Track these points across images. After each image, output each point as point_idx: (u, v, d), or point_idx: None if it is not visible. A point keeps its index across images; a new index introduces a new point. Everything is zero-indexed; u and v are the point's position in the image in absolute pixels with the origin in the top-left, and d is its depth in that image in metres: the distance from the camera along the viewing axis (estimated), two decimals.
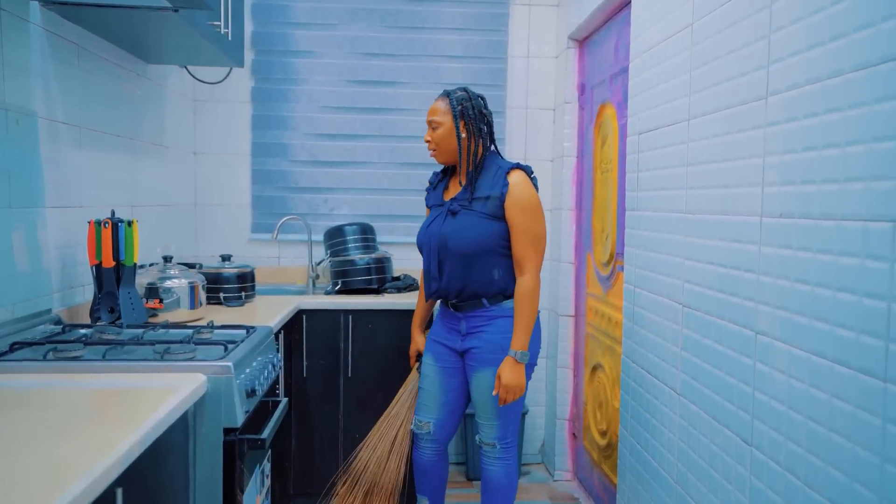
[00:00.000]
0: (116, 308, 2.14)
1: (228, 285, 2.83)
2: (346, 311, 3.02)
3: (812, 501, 1.36)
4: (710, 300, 1.82)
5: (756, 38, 1.60)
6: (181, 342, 1.77)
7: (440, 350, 2.47)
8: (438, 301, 2.57)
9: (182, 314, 2.37)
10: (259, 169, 3.57)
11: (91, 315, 2.16)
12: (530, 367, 2.37)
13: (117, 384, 1.49)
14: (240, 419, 1.63)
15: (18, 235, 1.90)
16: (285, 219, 3.42)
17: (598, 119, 3.09)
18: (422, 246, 2.46)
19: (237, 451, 1.64)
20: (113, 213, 2.18)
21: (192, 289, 2.41)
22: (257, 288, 3.26)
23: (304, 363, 3.00)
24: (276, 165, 3.58)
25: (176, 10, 2.04)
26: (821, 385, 1.33)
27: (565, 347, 3.46)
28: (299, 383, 2.99)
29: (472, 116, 2.36)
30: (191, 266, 2.54)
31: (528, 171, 2.37)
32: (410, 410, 2.62)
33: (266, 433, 1.74)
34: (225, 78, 3.41)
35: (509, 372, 2.26)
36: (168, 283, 2.36)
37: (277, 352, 2.35)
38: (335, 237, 3.32)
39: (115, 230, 2.14)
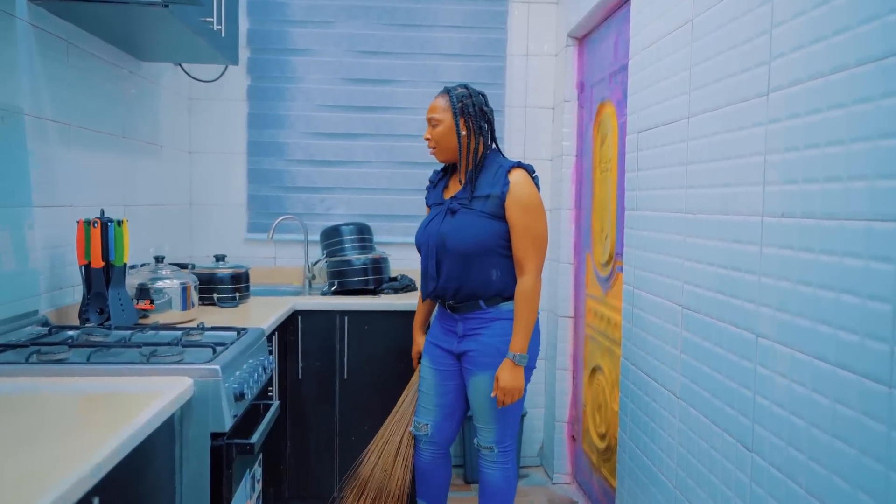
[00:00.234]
0: (106, 309, 2.10)
1: (222, 286, 2.79)
2: (342, 312, 2.98)
3: None
4: (710, 302, 1.78)
5: (757, 33, 1.56)
6: (169, 344, 1.73)
7: (436, 352, 2.43)
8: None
9: (173, 315, 2.33)
10: (255, 168, 3.54)
11: (80, 316, 2.13)
12: (529, 369, 2.33)
13: (101, 388, 1.45)
14: (227, 423, 1.59)
15: (4, 235, 1.87)
16: (281, 218, 3.38)
17: (598, 117, 3.05)
18: (420, 245, 2.42)
19: (225, 456, 1.60)
20: (102, 212, 2.14)
21: (184, 289, 2.37)
22: (253, 288, 3.23)
23: (300, 365, 2.96)
24: (272, 164, 3.54)
25: (166, 6, 2.00)
26: (823, 390, 1.29)
27: (564, 349, 3.42)
28: (294, 385, 2.96)
29: (473, 114, 2.32)
30: (183, 266, 2.51)
31: (529, 170, 2.33)
32: (414, 414, 2.58)
33: (255, 438, 1.70)
34: (220, 76, 3.37)
35: (507, 374, 2.22)
36: (159, 284, 2.32)
37: (270, 354, 2.31)
38: (331, 237, 3.28)
39: (105, 230, 2.10)
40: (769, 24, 1.51)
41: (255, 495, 1.98)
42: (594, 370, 3.06)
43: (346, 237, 3.26)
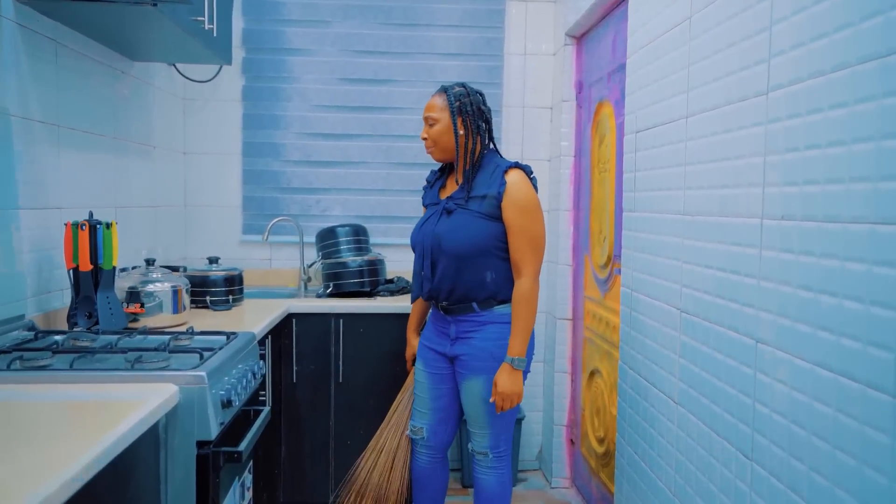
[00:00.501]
0: (94, 313, 2.07)
1: (215, 289, 2.75)
2: (337, 315, 2.94)
3: None
4: (708, 306, 1.74)
5: (757, 30, 1.52)
6: (155, 350, 1.70)
7: (430, 355, 2.39)
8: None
9: (164, 319, 2.29)
10: (250, 169, 3.50)
11: (68, 321, 2.09)
12: (524, 374, 2.29)
13: (82, 396, 1.42)
14: (214, 431, 1.56)
15: None
16: (276, 220, 3.35)
17: (596, 117, 3.01)
18: (415, 245, 2.39)
19: (211, 464, 1.56)
20: (91, 214, 2.11)
21: (175, 293, 2.33)
22: (248, 291, 3.20)
23: (294, 369, 2.92)
24: (267, 165, 3.50)
25: (154, 4, 1.96)
26: (825, 399, 1.25)
27: (563, 352, 3.38)
28: (289, 390, 2.92)
29: (470, 113, 2.29)
30: (174, 269, 2.47)
31: (527, 170, 2.29)
32: (410, 418, 2.54)
33: (243, 445, 1.67)
34: (215, 76, 3.34)
35: (506, 379, 2.18)
36: (150, 287, 2.28)
37: (262, 359, 2.28)
38: (327, 239, 3.25)
39: (93, 232, 2.07)
40: (769, 21, 1.47)
41: (245, 503, 1.95)
42: (593, 373, 3.02)
43: (342, 239, 3.23)
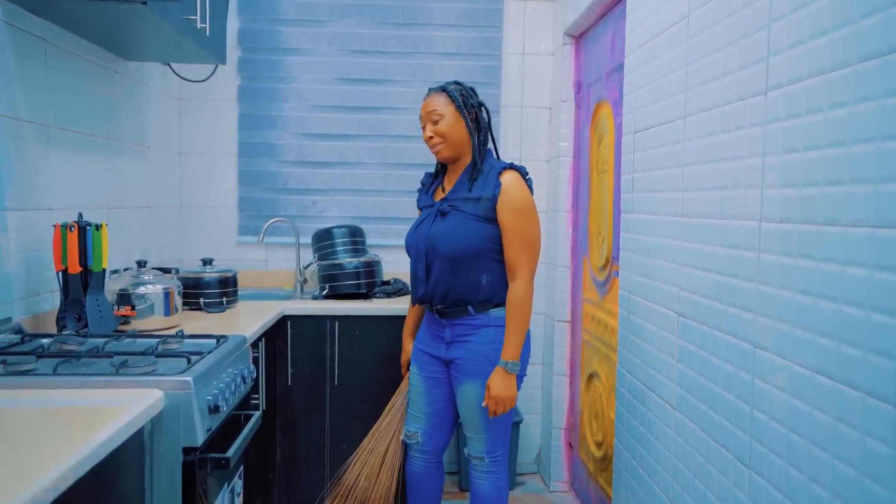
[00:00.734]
0: (83, 316, 2.03)
1: (209, 290, 2.72)
2: (333, 317, 2.91)
3: None
4: (706, 309, 1.70)
5: (755, 28, 1.49)
6: (142, 354, 1.66)
7: (425, 359, 2.36)
8: None
9: (155, 322, 2.26)
10: (246, 169, 3.47)
11: (57, 323, 2.06)
12: (519, 378, 2.26)
13: (64, 401, 1.38)
14: (200, 438, 1.52)
15: None
16: (272, 221, 3.31)
17: (595, 118, 2.98)
18: (409, 248, 2.36)
19: (197, 471, 1.53)
20: (80, 216, 2.08)
21: (167, 295, 2.30)
22: (243, 292, 3.17)
23: (289, 371, 2.89)
24: (263, 166, 3.47)
25: (144, 3, 1.93)
26: (824, 407, 1.22)
27: (561, 354, 3.35)
28: (283, 392, 2.89)
29: (475, 105, 2.26)
30: (166, 271, 2.44)
31: (522, 171, 2.26)
32: (402, 422, 2.51)
33: (232, 451, 1.64)
34: (210, 76, 3.31)
35: (499, 383, 2.15)
36: (141, 290, 2.25)
37: (255, 362, 2.25)
38: (323, 240, 3.22)
39: (82, 234, 2.03)
40: (767, 19, 1.44)
41: None
42: (591, 376, 2.99)
43: (338, 240, 3.20)
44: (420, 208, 2.42)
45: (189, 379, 1.52)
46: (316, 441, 2.94)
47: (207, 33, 2.45)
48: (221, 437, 1.72)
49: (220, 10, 2.74)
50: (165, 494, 1.50)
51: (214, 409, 1.60)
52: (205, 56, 2.64)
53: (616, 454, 2.40)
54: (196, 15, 2.31)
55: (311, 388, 2.92)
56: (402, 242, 3.32)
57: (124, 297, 2.22)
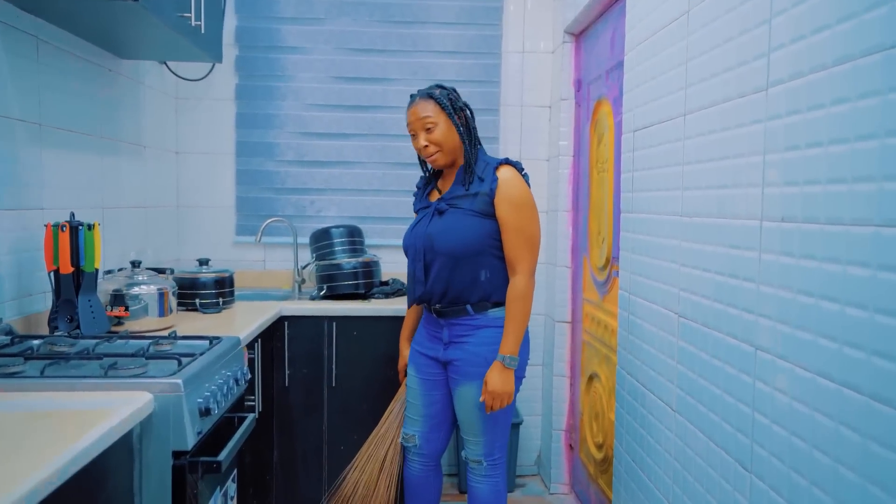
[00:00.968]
0: (75, 317, 2.01)
1: (205, 291, 2.69)
2: (331, 318, 2.88)
3: None
4: (706, 310, 1.67)
5: (756, 23, 1.45)
6: (133, 356, 1.64)
7: (422, 361, 2.33)
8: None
9: (149, 323, 2.24)
10: (244, 169, 3.44)
11: (49, 324, 2.03)
12: (519, 379, 2.23)
13: (49, 405, 1.36)
14: (190, 441, 1.50)
15: None
16: (269, 221, 3.29)
17: (595, 116, 2.95)
18: (407, 248, 2.33)
19: (188, 475, 1.50)
20: (72, 215, 2.05)
21: (161, 295, 2.28)
22: (241, 293, 3.15)
23: (286, 372, 2.86)
24: (261, 165, 3.45)
25: (136, 0, 1.91)
26: (827, 410, 1.19)
27: (561, 355, 3.32)
28: (280, 393, 2.86)
29: (462, 108, 2.24)
30: (161, 271, 2.41)
31: (518, 166, 2.23)
32: (400, 427, 2.48)
33: (223, 455, 1.61)
34: (207, 74, 3.29)
35: (497, 377, 2.11)
36: (135, 290, 2.23)
37: (251, 363, 2.22)
38: (321, 240, 3.19)
39: (74, 234, 2.01)
40: (768, 14, 1.41)
41: None
42: (591, 378, 2.96)
43: (337, 240, 3.17)
44: (416, 211, 2.40)
45: (179, 381, 1.49)
46: (313, 443, 2.92)
47: (202, 31, 2.43)
48: (214, 440, 1.69)
49: (216, 7, 2.71)
50: (155, 499, 1.47)
51: (205, 412, 1.57)
52: (200, 54, 2.62)
53: (616, 456, 2.37)
54: (190, 12, 2.29)
55: (309, 389, 2.89)
56: (401, 242, 3.31)
57: (118, 298, 2.19)
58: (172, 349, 1.81)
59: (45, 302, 2.15)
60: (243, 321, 2.45)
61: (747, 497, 1.46)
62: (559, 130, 3.29)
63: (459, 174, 2.24)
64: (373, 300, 3.07)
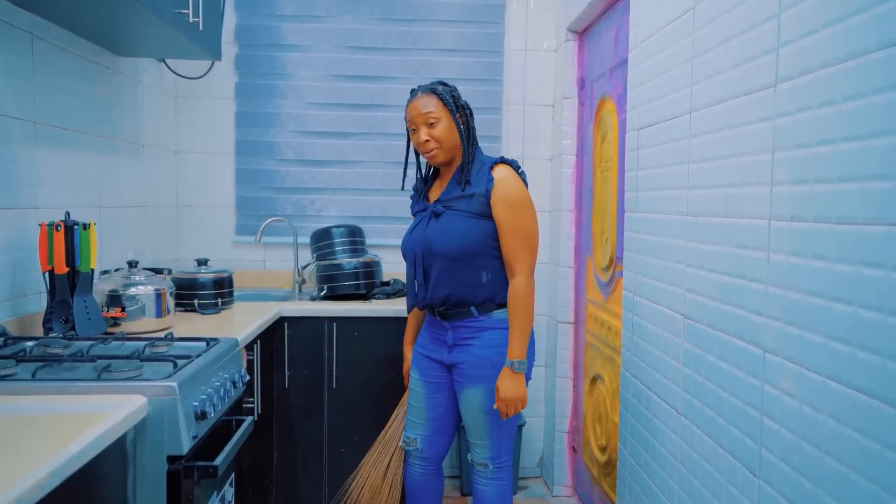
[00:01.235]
0: (70, 318, 1.98)
1: (204, 291, 2.66)
2: (331, 319, 2.85)
3: None
4: (712, 312, 1.64)
5: (764, 18, 1.42)
6: (127, 358, 1.61)
7: (425, 363, 2.30)
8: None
9: (147, 324, 2.21)
10: (243, 168, 3.41)
11: (44, 326, 2.00)
12: (525, 380, 2.19)
13: (40, 409, 1.32)
14: (186, 446, 1.46)
15: None
16: (269, 220, 3.26)
17: (598, 115, 2.91)
18: (406, 252, 2.29)
19: (183, 480, 1.47)
20: (67, 214, 2.02)
21: (159, 296, 2.24)
22: (241, 293, 3.12)
23: (286, 374, 2.83)
24: (261, 164, 3.41)
25: None
26: (839, 415, 1.15)
27: (564, 356, 3.28)
28: (280, 395, 2.83)
29: (464, 106, 2.20)
30: (159, 271, 2.38)
31: (514, 165, 2.20)
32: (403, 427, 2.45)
33: (220, 459, 1.57)
34: (206, 73, 3.26)
35: (508, 383, 2.08)
36: (132, 291, 2.20)
37: (249, 364, 2.19)
38: (322, 240, 3.16)
39: (69, 233, 1.98)
40: (777, 8, 1.37)
41: None
42: (595, 379, 2.92)
43: (337, 240, 3.14)
44: (414, 214, 2.36)
45: (174, 384, 1.46)
46: (314, 445, 2.88)
47: (201, 28, 2.40)
48: (210, 443, 1.66)
49: (215, 4, 2.68)
50: None
51: (201, 416, 1.54)
52: (199, 52, 2.59)
53: (620, 459, 2.34)
54: (188, 9, 2.26)
55: (309, 390, 2.86)
56: (401, 244, 3.28)
57: (114, 299, 2.16)
58: (168, 351, 1.78)
59: (40, 303, 2.12)
60: (242, 322, 2.42)
61: (755, 502, 1.43)
62: (562, 129, 3.26)
63: (455, 175, 2.21)
64: (374, 301, 3.04)
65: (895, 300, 1.03)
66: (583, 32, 3.18)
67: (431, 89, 2.18)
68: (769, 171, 1.39)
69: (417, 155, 2.34)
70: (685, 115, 1.82)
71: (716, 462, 1.61)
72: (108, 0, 1.88)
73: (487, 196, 2.11)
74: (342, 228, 3.17)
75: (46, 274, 1.98)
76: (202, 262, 2.78)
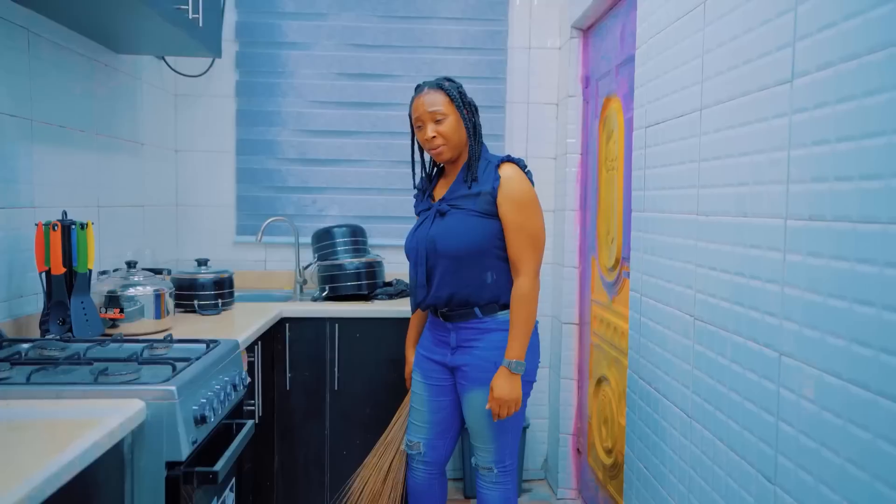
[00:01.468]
0: (67, 319, 1.94)
1: (204, 292, 2.62)
2: (333, 320, 2.81)
3: None
4: (725, 313, 1.60)
5: (779, 11, 1.38)
6: (125, 361, 1.57)
7: (428, 366, 2.25)
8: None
9: (145, 325, 2.17)
10: (244, 167, 3.37)
11: (40, 327, 1.96)
12: (528, 384, 2.16)
13: (36, 413, 1.29)
14: (185, 451, 1.42)
15: None
16: (270, 220, 3.22)
17: (603, 113, 2.87)
18: (409, 252, 2.25)
19: (182, 486, 1.43)
20: (64, 214, 1.98)
21: (158, 297, 2.21)
22: (241, 294, 3.08)
23: (287, 376, 2.79)
24: (262, 163, 3.38)
25: None
26: (862, 421, 1.11)
27: (569, 357, 3.24)
28: (282, 398, 2.79)
29: (470, 103, 2.16)
30: (158, 272, 2.34)
31: (520, 164, 2.16)
32: (405, 436, 2.41)
33: (220, 465, 1.53)
34: (206, 70, 3.22)
35: (503, 384, 2.04)
36: (130, 291, 2.16)
37: (251, 366, 2.15)
38: (323, 240, 3.12)
39: (66, 233, 1.94)
40: (794, 1, 1.33)
41: None
42: (600, 381, 2.88)
43: (339, 240, 3.10)
44: (417, 213, 2.32)
45: (173, 388, 1.42)
46: (315, 448, 2.84)
47: (200, 24, 2.36)
48: (210, 448, 1.62)
49: (215, 1, 2.64)
50: None
51: (201, 420, 1.50)
52: (199, 49, 2.55)
53: (627, 463, 2.30)
54: (188, 5, 2.22)
55: (311, 393, 2.82)
56: (404, 243, 3.24)
57: (112, 300, 2.13)
58: (167, 353, 1.74)
59: (37, 304, 2.08)
60: (243, 323, 2.38)
61: None
62: (566, 128, 3.22)
63: (461, 173, 2.17)
64: (376, 301, 3.00)
65: None
66: (587, 30, 3.14)
67: (438, 85, 2.14)
68: (785, 168, 1.35)
69: (422, 152, 2.30)
70: (695, 113, 1.78)
71: (729, 467, 1.57)
72: None
73: (494, 195, 2.07)
74: (344, 228, 3.13)
75: (43, 274, 1.94)
76: (202, 263, 2.74)
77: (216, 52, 2.68)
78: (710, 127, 1.69)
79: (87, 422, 1.23)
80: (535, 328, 2.18)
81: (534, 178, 2.18)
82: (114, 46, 2.52)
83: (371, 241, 3.31)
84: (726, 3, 1.61)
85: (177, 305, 2.52)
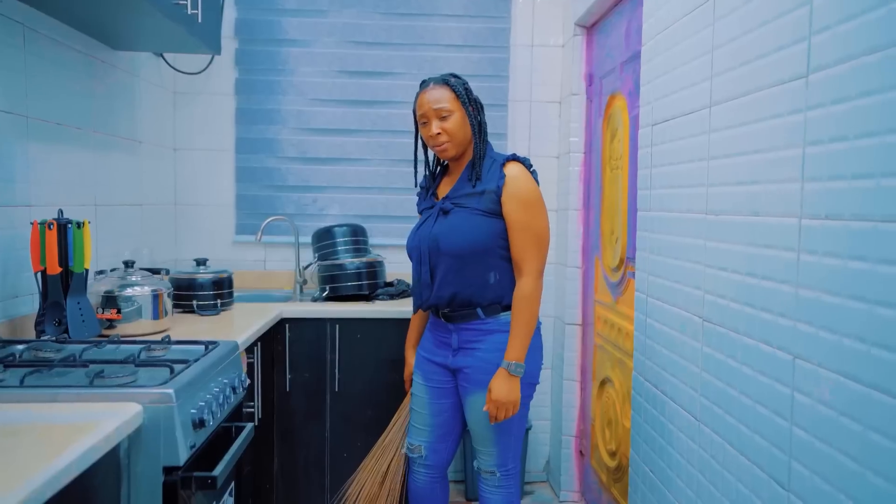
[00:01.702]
0: (63, 320, 1.90)
1: (202, 292, 2.59)
2: (333, 320, 2.78)
3: None
4: (735, 314, 1.56)
5: (795, 4, 1.34)
6: (122, 363, 1.53)
7: (429, 368, 2.22)
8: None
9: (143, 326, 2.13)
10: (244, 166, 3.34)
11: (36, 328, 1.92)
12: (531, 385, 2.12)
13: (29, 417, 1.25)
14: (183, 456, 1.39)
15: None
16: (270, 219, 3.18)
17: (607, 111, 2.83)
18: (412, 250, 2.22)
19: (180, 492, 1.39)
20: (60, 213, 1.95)
21: (156, 297, 2.17)
22: (241, 294, 3.04)
23: (287, 377, 2.75)
24: (261, 162, 3.34)
25: None
26: (882, 428, 1.07)
27: (571, 359, 3.20)
28: (282, 399, 2.75)
29: (475, 100, 2.13)
30: (156, 271, 2.30)
31: (525, 163, 2.12)
32: (404, 438, 2.37)
33: (219, 469, 1.50)
34: (206, 68, 3.18)
35: (501, 385, 2.00)
36: (128, 291, 2.12)
37: (250, 367, 2.12)
38: (324, 239, 3.09)
39: (62, 232, 1.90)
40: None
41: None
42: (604, 382, 2.85)
43: (339, 239, 3.07)
44: (420, 211, 2.29)
45: (171, 391, 1.39)
46: (315, 450, 2.81)
47: (199, 20, 2.32)
48: (209, 452, 1.58)
49: None
50: None
51: (199, 424, 1.46)
52: (198, 45, 2.51)
53: (632, 466, 2.26)
54: (186, 0, 2.18)
55: (311, 394, 2.78)
56: (406, 242, 3.20)
57: (109, 300, 2.09)
58: (165, 355, 1.71)
59: (32, 304, 2.04)
60: (242, 324, 2.34)
61: None
62: (570, 126, 3.19)
63: (465, 171, 2.13)
64: (377, 302, 2.97)
65: None
66: (591, 27, 3.10)
67: (444, 81, 2.10)
68: (800, 166, 1.32)
69: (426, 149, 2.26)
70: (704, 110, 1.75)
71: (739, 472, 1.54)
72: None
73: (498, 193, 2.03)
74: (345, 228, 3.09)
75: (38, 274, 1.90)
76: (201, 262, 2.70)
77: (215, 48, 2.64)
78: (721, 124, 1.66)
79: (82, 426, 1.19)
80: (538, 330, 2.14)
81: (538, 178, 2.15)
82: (111, 43, 2.48)
83: (372, 240, 3.28)
84: None
85: (175, 306, 2.49)
